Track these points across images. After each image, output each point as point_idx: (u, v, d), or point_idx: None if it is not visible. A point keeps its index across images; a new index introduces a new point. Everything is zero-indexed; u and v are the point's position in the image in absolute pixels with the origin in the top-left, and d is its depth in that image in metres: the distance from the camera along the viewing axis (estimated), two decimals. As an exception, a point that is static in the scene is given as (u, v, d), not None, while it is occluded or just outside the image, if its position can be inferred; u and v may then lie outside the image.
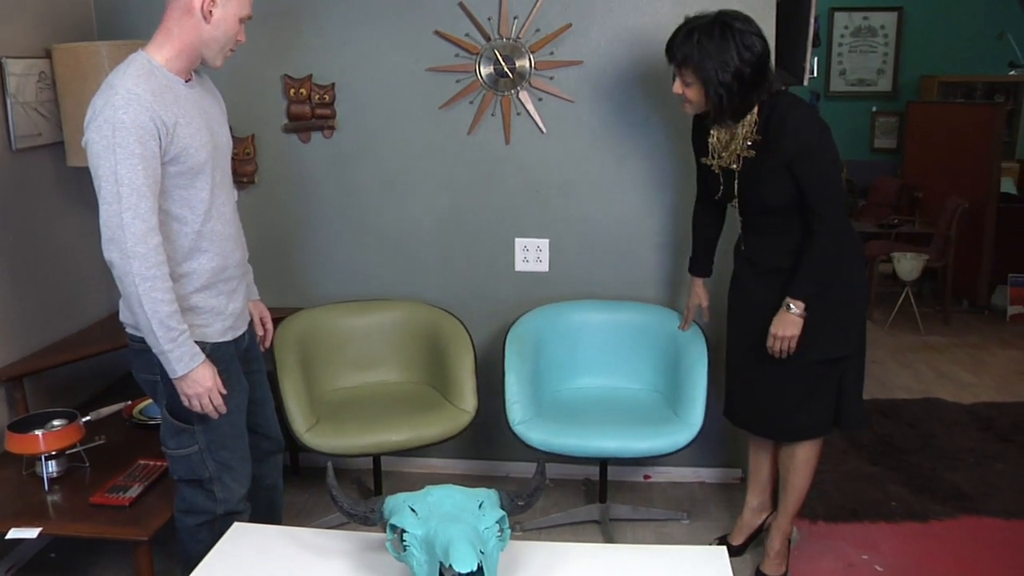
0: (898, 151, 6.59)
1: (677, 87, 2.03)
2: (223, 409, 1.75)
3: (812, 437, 2.25)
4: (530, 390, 2.52)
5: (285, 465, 2.81)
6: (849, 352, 2.18)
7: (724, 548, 1.47)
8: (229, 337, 1.81)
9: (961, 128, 5.24)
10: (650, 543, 2.63)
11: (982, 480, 2.92)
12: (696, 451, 2.54)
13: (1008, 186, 5.67)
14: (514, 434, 2.42)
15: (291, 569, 1.40)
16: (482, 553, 1.20)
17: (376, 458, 2.73)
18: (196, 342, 1.69)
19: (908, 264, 4.66)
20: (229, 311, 1.80)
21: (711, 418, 2.46)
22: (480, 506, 1.31)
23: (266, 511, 2.08)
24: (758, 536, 2.58)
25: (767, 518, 2.53)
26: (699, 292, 2.49)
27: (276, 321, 2.26)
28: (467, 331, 2.69)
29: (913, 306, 4.87)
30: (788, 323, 2.09)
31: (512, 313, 2.84)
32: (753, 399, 2.29)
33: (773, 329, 2.12)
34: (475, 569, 1.13)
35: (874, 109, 6.67)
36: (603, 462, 2.60)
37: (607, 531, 2.70)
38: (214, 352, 1.75)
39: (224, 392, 1.72)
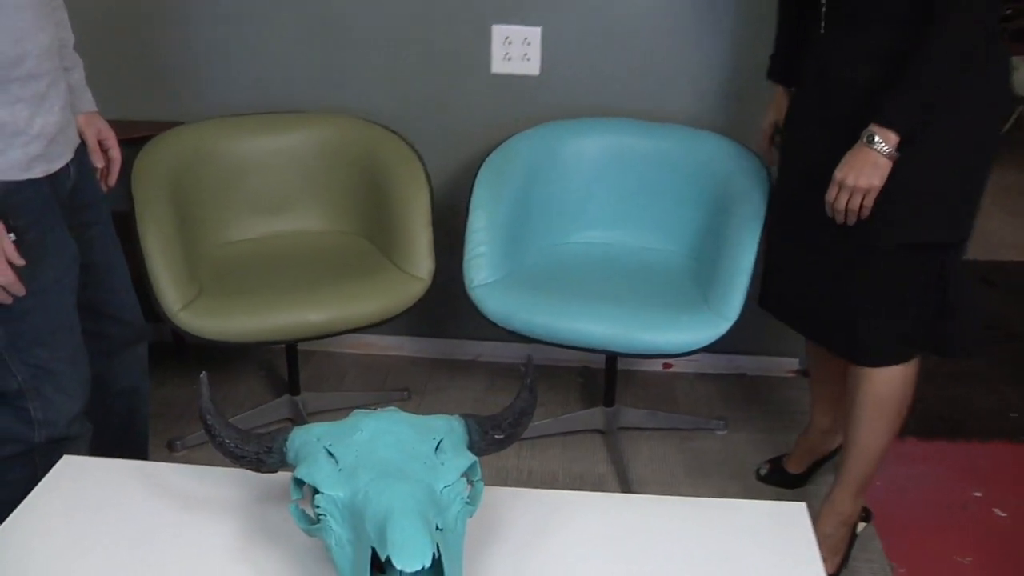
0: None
1: None
2: (16, 288, 1.64)
3: (891, 362, 2.10)
4: (505, 241, 2.56)
5: (157, 355, 2.78)
6: (962, 237, 2.00)
7: (803, 506, 1.38)
8: (39, 173, 1.70)
9: None
10: (673, 464, 2.69)
11: None
12: (735, 332, 2.50)
13: None
14: (470, 298, 2.46)
15: (140, 537, 1.31)
16: (439, 530, 1.07)
17: (291, 346, 2.75)
18: None
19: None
20: (35, 130, 1.67)
21: (756, 293, 2.47)
22: (437, 447, 1.19)
23: (121, 433, 2.09)
24: (827, 463, 2.56)
25: (838, 441, 2.50)
26: (782, 105, 2.35)
27: (131, 144, 2.23)
28: (421, 161, 2.67)
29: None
30: (866, 165, 1.88)
31: (487, 135, 2.86)
32: (803, 297, 2.21)
33: (840, 173, 1.91)
34: (428, 565, 1.00)
35: None
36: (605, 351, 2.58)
37: (615, 447, 2.73)
38: (9, 197, 1.63)
39: (20, 262, 1.63)
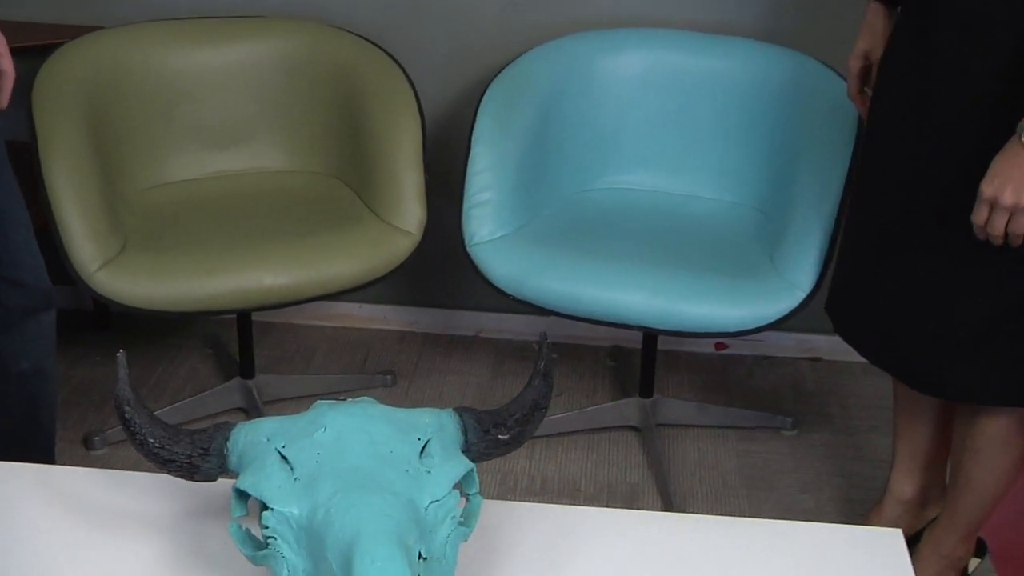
0: None
1: None
2: None
3: (1018, 402, 2.07)
4: (515, 186, 2.57)
5: (72, 327, 2.77)
6: None
7: (898, 533, 1.39)
8: None
9: None
10: (727, 472, 2.67)
11: None
12: (809, 305, 2.51)
13: None
14: (469, 258, 2.49)
15: (39, 562, 1.32)
16: (423, 560, 1.07)
17: (243, 316, 2.75)
18: None
19: None
20: None
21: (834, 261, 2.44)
22: (423, 450, 1.18)
23: (20, 426, 2.10)
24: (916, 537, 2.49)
25: (931, 516, 2.42)
26: (878, 31, 2.23)
27: (30, 54, 2.23)
28: (410, 81, 2.68)
29: None
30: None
31: (494, 50, 2.86)
32: (898, 318, 2.12)
33: (991, 189, 1.81)
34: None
35: None
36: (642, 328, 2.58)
37: (653, 449, 2.73)
38: None
39: None
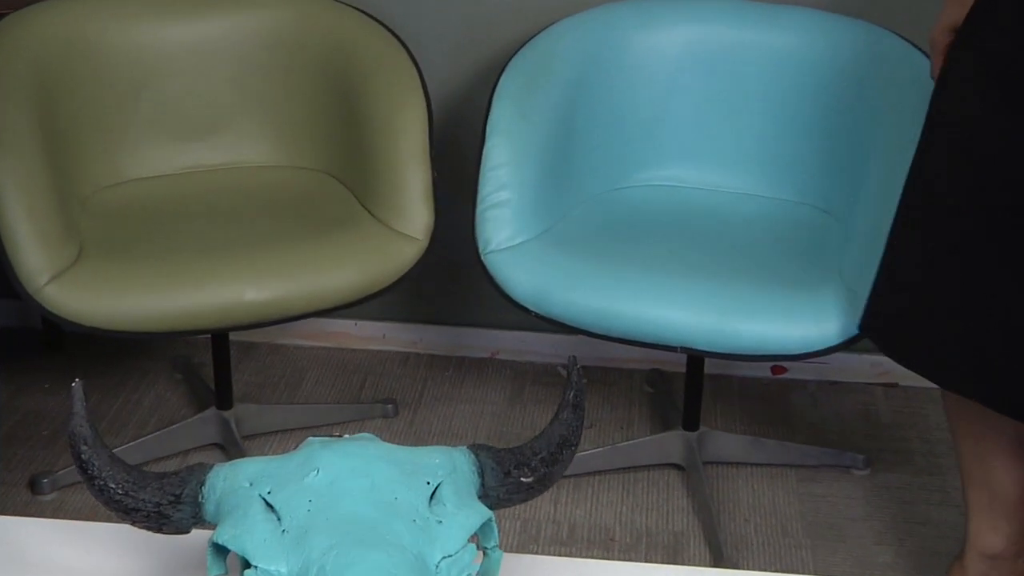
0: None
1: None
2: None
3: None
4: (537, 184, 2.59)
5: (18, 348, 2.74)
6: None
7: None
8: None
9: None
10: (788, 518, 2.65)
11: None
12: None
13: None
14: (484, 268, 2.50)
15: None
16: None
17: (219, 336, 2.76)
18: None
19: None
20: None
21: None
22: (433, 496, 1.17)
23: None
24: None
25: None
26: (966, 4, 2.23)
27: None
28: (415, 63, 2.69)
29: None
30: None
31: (513, 24, 2.87)
32: (992, 338, 2.13)
33: None
34: None
35: None
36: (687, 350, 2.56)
37: (700, 491, 2.73)
38: None
39: None
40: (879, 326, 2.29)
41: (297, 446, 1.25)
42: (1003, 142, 2.10)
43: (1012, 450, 2.28)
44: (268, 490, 1.16)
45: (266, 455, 2.70)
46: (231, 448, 2.73)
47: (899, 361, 2.30)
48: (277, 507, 1.14)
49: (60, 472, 2.68)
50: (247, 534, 1.13)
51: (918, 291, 2.23)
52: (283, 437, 2.79)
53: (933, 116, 2.22)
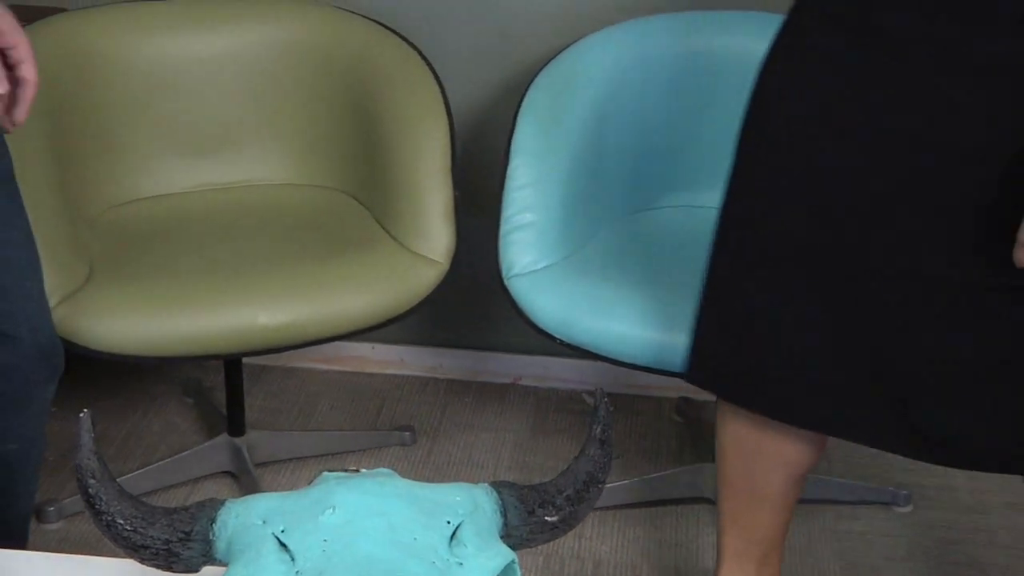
0: None
1: None
2: None
3: None
4: (564, 206, 2.61)
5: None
6: None
7: None
8: None
9: None
10: (824, 557, 2.66)
11: None
12: None
13: None
14: (507, 293, 2.53)
15: None
16: None
17: (232, 361, 2.79)
18: None
19: None
20: None
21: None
22: (453, 536, 1.17)
23: None
24: None
25: None
26: None
27: None
28: (436, 78, 2.71)
29: None
30: None
31: (539, 39, 2.90)
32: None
33: None
34: None
35: None
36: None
37: None
38: None
39: None
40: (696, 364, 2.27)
41: (312, 476, 1.24)
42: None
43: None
44: (282, 528, 1.15)
45: (280, 484, 2.67)
46: (243, 476, 2.73)
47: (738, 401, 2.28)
48: (291, 547, 1.14)
49: (66, 501, 2.67)
50: (260, 575, 1.12)
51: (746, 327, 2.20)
52: (297, 465, 2.80)
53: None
